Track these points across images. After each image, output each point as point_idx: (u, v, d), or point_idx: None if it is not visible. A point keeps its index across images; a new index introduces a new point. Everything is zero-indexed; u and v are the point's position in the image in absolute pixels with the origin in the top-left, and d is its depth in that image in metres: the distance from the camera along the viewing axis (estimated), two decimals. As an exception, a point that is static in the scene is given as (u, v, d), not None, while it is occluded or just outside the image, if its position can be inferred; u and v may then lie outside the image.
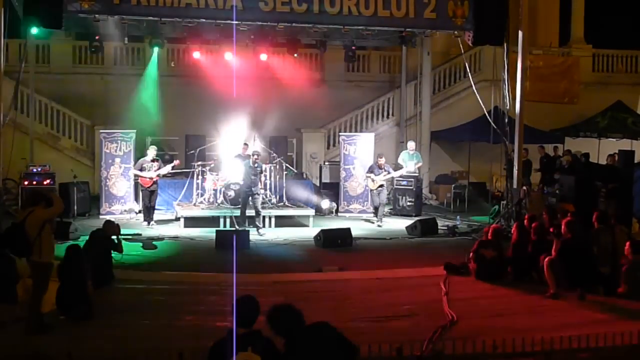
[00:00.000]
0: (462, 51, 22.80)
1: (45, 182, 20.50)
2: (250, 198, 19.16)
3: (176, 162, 21.11)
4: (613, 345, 9.85)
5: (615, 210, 16.96)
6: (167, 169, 20.34)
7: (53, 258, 10.97)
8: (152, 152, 20.35)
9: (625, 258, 13.33)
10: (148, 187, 19.94)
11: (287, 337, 6.53)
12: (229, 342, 6.32)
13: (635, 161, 23.60)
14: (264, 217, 19.83)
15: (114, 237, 13.89)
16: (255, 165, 19.17)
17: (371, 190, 21.43)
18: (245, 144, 21.32)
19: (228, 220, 19.68)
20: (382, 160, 21.44)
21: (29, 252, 10.65)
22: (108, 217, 18.15)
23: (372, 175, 21.18)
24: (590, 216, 14.98)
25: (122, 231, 14.56)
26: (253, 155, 19.30)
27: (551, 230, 14.27)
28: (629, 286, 12.95)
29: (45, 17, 17.52)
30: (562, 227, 13.60)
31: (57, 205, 11.11)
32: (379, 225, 21.03)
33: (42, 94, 25.43)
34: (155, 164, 20.05)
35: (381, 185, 21.18)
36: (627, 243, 13.40)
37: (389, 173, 21.38)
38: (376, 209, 21.47)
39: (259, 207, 19.24)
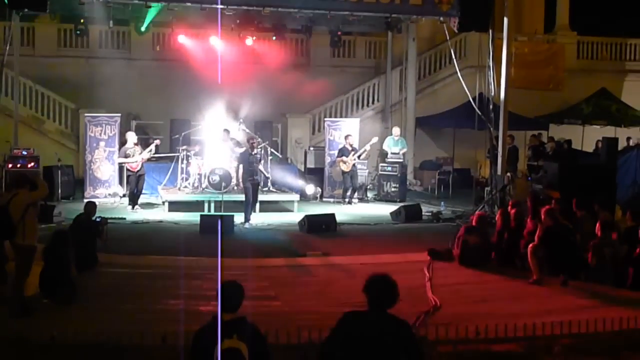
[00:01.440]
0: (448, 37, 22.76)
1: (29, 165, 20.39)
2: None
3: (157, 141, 21.08)
4: (595, 332, 9.91)
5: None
6: (150, 149, 20.35)
7: (36, 241, 10.94)
8: (131, 137, 20.40)
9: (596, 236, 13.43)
10: (137, 172, 19.94)
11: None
12: (213, 328, 6.19)
13: (619, 148, 23.75)
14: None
15: (96, 219, 13.88)
16: (255, 152, 18.94)
17: (344, 172, 21.54)
18: (226, 129, 21.24)
19: (213, 205, 19.65)
20: (350, 140, 21.66)
21: (12, 234, 10.63)
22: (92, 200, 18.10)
23: (343, 158, 21.35)
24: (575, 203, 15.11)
25: (107, 215, 14.50)
26: (249, 142, 19.15)
27: (529, 217, 14.37)
28: (597, 261, 13.06)
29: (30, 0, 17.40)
30: (541, 214, 13.65)
31: (41, 189, 11.09)
32: (350, 204, 21.37)
33: (27, 76, 25.25)
34: (138, 147, 20.08)
35: (354, 165, 21.33)
36: (598, 222, 13.44)
37: (356, 152, 21.50)
38: (345, 190, 21.70)
39: (257, 197, 19.06)
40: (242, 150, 19.76)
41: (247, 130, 22.67)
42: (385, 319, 6.30)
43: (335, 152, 22.65)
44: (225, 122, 22.00)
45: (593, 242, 13.24)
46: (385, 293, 6.31)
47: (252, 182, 18.59)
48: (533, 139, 26.61)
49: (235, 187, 20.24)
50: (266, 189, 20.95)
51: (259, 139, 21.79)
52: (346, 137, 21.86)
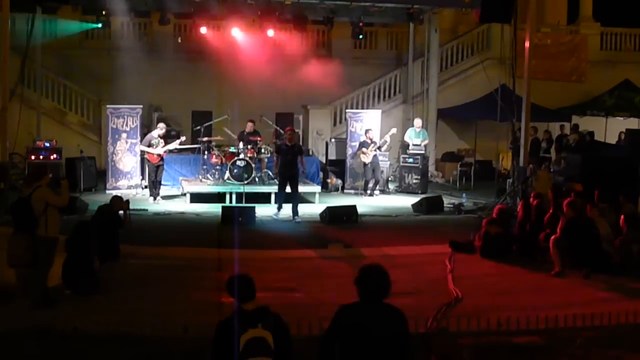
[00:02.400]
0: (470, 29, 22.70)
1: (51, 157, 20.53)
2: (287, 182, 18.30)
3: (183, 137, 21.11)
4: (617, 324, 9.89)
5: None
6: (174, 144, 20.42)
7: (58, 233, 11.01)
8: (160, 129, 20.35)
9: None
10: (155, 163, 19.99)
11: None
12: (236, 319, 6.21)
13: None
14: (271, 193, 19.89)
15: (121, 212, 13.92)
16: (292, 144, 18.34)
17: (365, 164, 21.58)
18: (251, 120, 21.32)
19: (235, 196, 19.70)
20: (370, 134, 21.68)
21: (34, 226, 10.71)
22: (114, 192, 18.21)
23: (363, 149, 21.47)
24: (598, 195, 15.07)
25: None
26: (286, 132, 18.88)
27: (551, 209, 14.33)
28: (622, 259, 13.01)
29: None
30: (563, 206, 13.61)
31: (63, 198, 11.11)
32: (370, 195, 21.48)
33: (49, 68, 25.42)
34: (162, 140, 20.09)
35: (375, 156, 21.41)
36: (622, 217, 13.40)
37: (376, 145, 21.57)
38: (367, 182, 21.76)
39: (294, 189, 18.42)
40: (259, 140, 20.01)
41: (270, 122, 22.73)
42: (385, 310, 6.19)
43: (356, 144, 22.65)
44: (247, 114, 22.04)
45: (620, 238, 13.18)
46: (381, 284, 6.17)
47: (284, 174, 18.24)
48: (545, 134, 26.56)
49: (257, 179, 20.28)
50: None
51: (281, 130, 21.82)
52: (366, 131, 21.86)
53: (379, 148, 21.66)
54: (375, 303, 6.13)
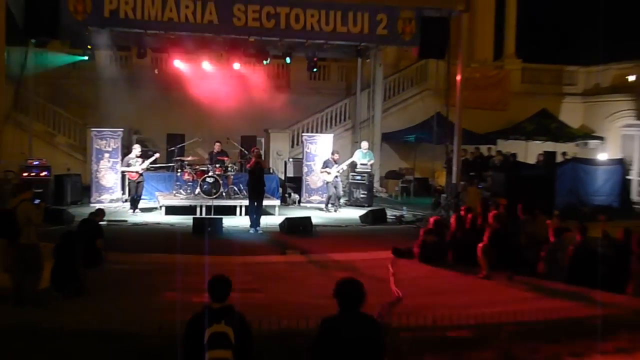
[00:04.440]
0: (410, 64, 22.87)
1: (42, 174, 20.21)
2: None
3: (157, 155, 21.02)
4: (536, 320, 9.99)
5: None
6: (148, 162, 20.32)
7: (36, 240, 10.84)
8: (136, 150, 20.32)
9: (548, 242, 13.51)
10: (135, 180, 19.92)
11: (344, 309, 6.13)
12: (204, 315, 6.28)
13: (557, 161, 23.95)
14: (237, 206, 19.96)
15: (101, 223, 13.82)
16: (256, 166, 18.08)
17: (327, 182, 21.53)
18: (218, 142, 21.35)
19: (204, 209, 19.61)
20: (335, 156, 21.63)
21: (17, 236, 10.54)
22: (98, 206, 18.04)
23: (327, 169, 21.36)
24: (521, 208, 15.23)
25: (111, 218, 14.44)
26: (253, 152, 18.58)
27: (479, 221, 14.48)
28: (548, 265, 13.15)
29: (44, 28, 17.30)
30: (490, 218, 13.77)
31: (40, 216, 11.02)
32: (335, 211, 21.31)
33: (40, 96, 25.11)
34: (139, 159, 20.02)
35: (336, 177, 21.36)
36: (550, 228, 13.58)
37: (339, 166, 21.54)
38: (329, 197, 21.68)
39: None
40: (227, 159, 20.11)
41: (235, 144, 22.67)
42: (362, 319, 6.16)
43: (311, 164, 22.71)
44: (215, 136, 22.01)
45: (547, 247, 13.31)
46: (356, 295, 6.12)
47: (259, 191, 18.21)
48: (475, 151, 26.79)
49: (224, 194, 20.21)
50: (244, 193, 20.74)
51: (245, 152, 21.76)
52: (332, 152, 21.91)
53: (339, 171, 21.63)
54: (353, 312, 6.09)
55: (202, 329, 6.20)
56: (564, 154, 26.69)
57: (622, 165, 24.08)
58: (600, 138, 29.39)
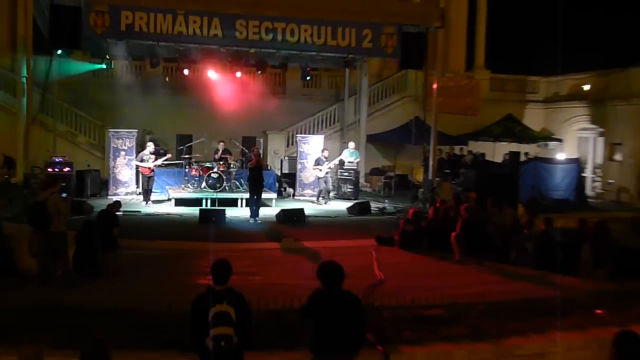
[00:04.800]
0: (392, 73, 22.86)
1: (64, 170, 20.11)
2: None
3: (168, 155, 20.99)
4: (502, 300, 10.02)
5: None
6: (161, 160, 20.28)
7: (65, 228, 10.91)
8: (150, 147, 20.19)
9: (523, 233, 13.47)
10: (147, 175, 19.83)
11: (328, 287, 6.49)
12: (208, 296, 6.30)
13: (521, 160, 23.98)
14: (238, 199, 19.89)
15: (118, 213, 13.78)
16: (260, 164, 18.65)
17: (319, 178, 21.49)
18: (222, 141, 21.33)
19: (209, 201, 19.56)
20: (325, 154, 21.57)
21: (48, 226, 10.58)
22: (115, 198, 17.99)
23: (319, 167, 21.30)
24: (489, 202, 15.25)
25: (126, 209, 14.38)
26: (253, 150, 18.96)
27: (452, 213, 14.50)
28: (518, 253, 13.17)
29: (67, 39, 17.23)
30: (461, 210, 13.79)
31: (67, 208, 11.11)
32: (325, 203, 21.21)
33: (64, 100, 24.99)
34: (153, 156, 19.93)
35: (327, 173, 21.31)
36: (524, 220, 13.54)
37: (329, 163, 21.50)
38: (320, 192, 21.60)
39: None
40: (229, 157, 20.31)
41: (237, 144, 22.63)
42: (343, 293, 6.47)
43: (305, 161, 22.65)
44: (219, 137, 21.99)
45: (521, 236, 13.27)
46: (336, 274, 6.47)
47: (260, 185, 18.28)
48: (450, 150, 26.81)
49: (227, 188, 20.16)
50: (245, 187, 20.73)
51: (246, 150, 21.72)
52: (322, 150, 21.84)
53: (329, 168, 21.60)
54: (334, 288, 6.44)
55: (205, 308, 6.21)
56: (526, 154, 26.74)
57: (578, 164, 24.12)
58: (559, 140, 29.45)
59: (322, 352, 6.39)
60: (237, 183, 20.77)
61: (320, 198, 21.57)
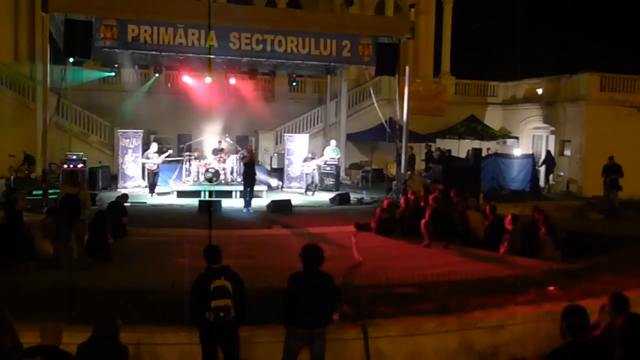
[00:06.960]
0: (368, 79, 22.87)
1: (78, 166, 19.98)
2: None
3: (170, 151, 20.95)
4: (466, 279, 10.10)
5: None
6: (163, 156, 20.22)
7: (86, 217, 11.03)
8: (154, 147, 20.25)
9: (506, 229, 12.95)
10: (152, 170, 19.79)
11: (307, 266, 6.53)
12: (207, 274, 6.47)
13: (482, 155, 24.10)
14: (233, 191, 19.80)
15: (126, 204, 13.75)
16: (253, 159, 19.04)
17: (307, 173, 21.54)
18: (219, 140, 21.27)
19: (207, 193, 19.52)
20: (312, 153, 21.69)
21: (79, 213, 10.86)
22: (123, 191, 17.91)
23: (306, 163, 21.35)
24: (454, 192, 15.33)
25: (133, 200, 14.33)
26: (247, 148, 19.34)
27: (422, 202, 14.57)
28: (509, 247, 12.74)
29: (79, 50, 17.16)
30: (430, 200, 13.85)
31: (89, 201, 11.60)
32: (312, 195, 21.22)
33: (77, 104, 24.80)
34: (156, 154, 19.89)
35: (314, 169, 21.37)
36: (509, 217, 13.16)
37: (316, 160, 21.56)
38: (308, 185, 21.60)
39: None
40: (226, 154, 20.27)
41: (231, 142, 22.58)
42: (321, 274, 6.56)
43: (291, 157, 22.65)
44: (216, 135, 21.96)
45: (506, 235, 12.70)
46: (315, 256, 6.55)
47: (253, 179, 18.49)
48: (427, 146, 26.86)
49: (223, 181, 20.13)
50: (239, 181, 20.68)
51: (239, 148, 21.67)
52: (310, 152, 22.04)
53: (316, 165, 21.64)
54: (313, 269, 6.53)
55: (205, 284, 6.36)
56: (487, 149, 26.89)
57: (532, 159, 24.34)
58: (516, 137, 29.62)
59: (293, 325, 6.49)
60: (232, 177, 20.74)
61: (308, 190, 21.58)
